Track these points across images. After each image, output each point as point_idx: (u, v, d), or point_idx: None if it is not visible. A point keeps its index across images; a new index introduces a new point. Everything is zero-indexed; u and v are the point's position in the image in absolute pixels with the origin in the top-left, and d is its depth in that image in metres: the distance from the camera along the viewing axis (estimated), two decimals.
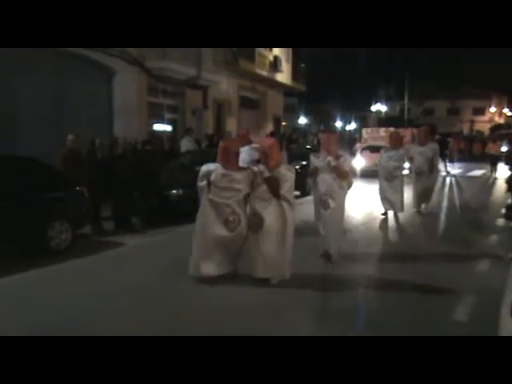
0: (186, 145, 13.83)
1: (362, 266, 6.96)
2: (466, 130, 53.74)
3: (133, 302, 5.45)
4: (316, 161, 7.07)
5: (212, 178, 5.91)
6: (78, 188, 8.27)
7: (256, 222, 5.88)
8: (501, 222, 10.24)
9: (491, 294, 5.73)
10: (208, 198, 5.94)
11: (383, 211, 10.57)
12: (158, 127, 16.37)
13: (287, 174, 5.94)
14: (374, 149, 16.50)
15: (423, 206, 11.34)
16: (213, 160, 6.14)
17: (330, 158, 6.79)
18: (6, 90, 11.07)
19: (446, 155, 22.09)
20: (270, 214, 5.84)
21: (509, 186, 11.19)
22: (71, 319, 4.91)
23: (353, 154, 17.94)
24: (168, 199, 10.18)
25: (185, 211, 9.44)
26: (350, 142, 22.05)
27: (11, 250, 7.15)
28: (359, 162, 17.83)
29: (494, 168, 20.18)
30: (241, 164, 5.92)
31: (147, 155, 10.58)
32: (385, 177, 10.45)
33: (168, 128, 16.86)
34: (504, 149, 21.54)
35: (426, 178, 11.13)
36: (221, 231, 5.87)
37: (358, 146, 20.07)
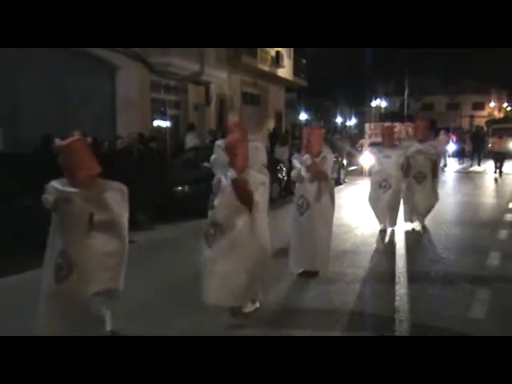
0: (191, 141, 13.73)
1: (367, 262, 6.89)
2: (465, 124, 53.73)
3: (144, 301, 5.35)
4: (297, 161, 6.11)
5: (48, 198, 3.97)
6: None
7: (213, 234, 4.59)
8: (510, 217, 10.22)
9: (505, 290, 5.74)
10: (50, 231, 4.11)
11: (381, 228, 8.51)
12: (161, 123, 16.26)
13: (261, 178, 4.66)
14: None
15: (417, 219, 8.80)
16: None
17: (306, 156, 5.86)
18: (9, 87, 10.95)
19: (480, 150, 20.33)
20: (237, 226, 4.55)
21: None
22: None
23: (358, 151, 17.61)
24: (174, 196, 10.16)
25: (190, 208, 9.42)
26: (352, 139, 21.86)
27: (18, 249, 7.06)
28: (368, 159, 17.34)
29: (499, 166, 18.40)
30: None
31: (151, 152, 10.47)
32: (379, 184, 8.18)
33: (170, 124, 16.76)
34: None
35: (428, 184, 8.55)
36: (49, 280, 3.97)
37: (363, 141, 19.82)
